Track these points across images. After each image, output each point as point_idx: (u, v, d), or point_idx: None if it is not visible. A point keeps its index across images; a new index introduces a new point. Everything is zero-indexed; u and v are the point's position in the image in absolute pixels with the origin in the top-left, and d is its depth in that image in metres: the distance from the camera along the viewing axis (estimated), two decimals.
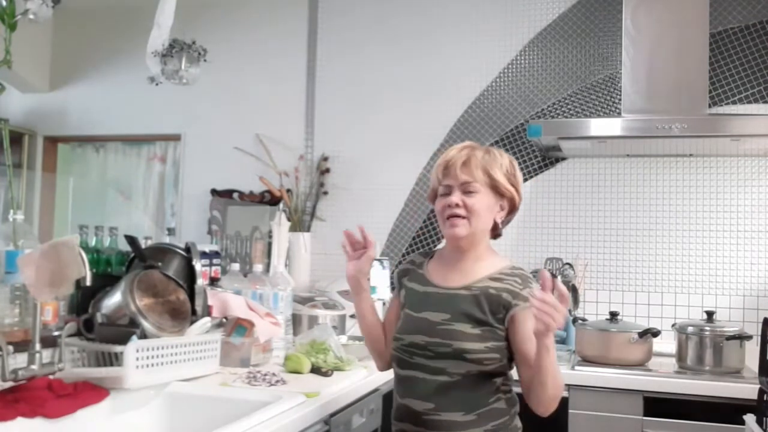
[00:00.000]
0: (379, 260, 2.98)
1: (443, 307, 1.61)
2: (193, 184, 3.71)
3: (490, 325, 1.57)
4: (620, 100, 2.90)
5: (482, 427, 1.56)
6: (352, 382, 2.03)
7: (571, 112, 3.17)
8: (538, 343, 1.45)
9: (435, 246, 3.32)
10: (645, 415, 2.36)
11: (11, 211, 1.95)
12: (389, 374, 2.01)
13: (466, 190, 1.61)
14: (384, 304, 2.82)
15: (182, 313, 1.98)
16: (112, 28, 3.90)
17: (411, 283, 1.72)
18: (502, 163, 1.65)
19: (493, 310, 1.57)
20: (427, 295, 1.66)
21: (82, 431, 1.54)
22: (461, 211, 1.60)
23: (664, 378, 2.41)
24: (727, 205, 2.97)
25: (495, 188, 1.63)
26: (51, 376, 1.61)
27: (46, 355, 1.65)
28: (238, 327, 2.12)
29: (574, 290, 2.97)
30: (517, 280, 1.61)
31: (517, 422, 1.66)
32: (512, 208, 1.70)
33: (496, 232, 1.71)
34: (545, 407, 1.55)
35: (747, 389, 2.23)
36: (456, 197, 1.60)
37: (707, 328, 2.52)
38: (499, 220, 1.67)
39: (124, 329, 1.78)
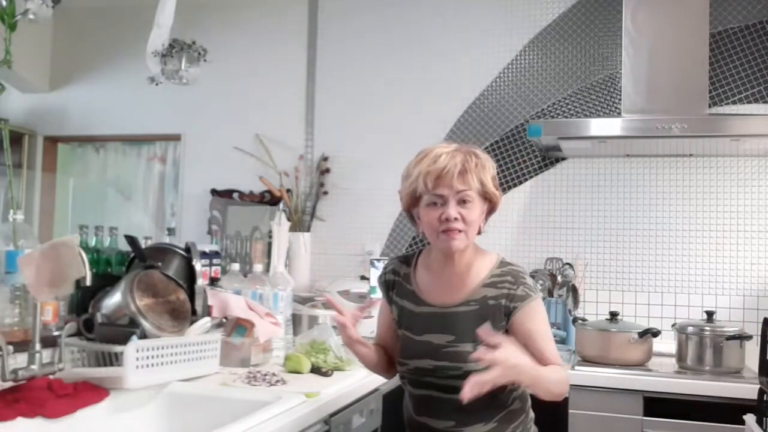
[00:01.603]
0: (378, 260, 2.98)
1: (446, 328, 1.58)
2: (193, 184, 3.71)
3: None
4: (620, 100, 2.90)
5: (504, 431, 1.58)
6: (352, 382, 2.03)
7: (571, 112, 3.17)
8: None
9: None
10: (645, 415, 2.36)
11: (11, 211, 1.95)
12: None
13: (462, 200, 1.54)
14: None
15: (182, 313, 1.98)
16: (112, 28, 3.90)
17: (402, 300, 1.67)
18: (490, 168, 1.59)
19: (496, 320, 1.55)
20: (424, 315, 1.62)
21: (82, 431, 1.54)
22: (460, 225, 1.53)
23: (664, 378, 2.41)
24: (727, 205, 2.97)
25: (484, 195, 1.58)
26: (51, 376, 1.61)
27: (46, 355, 1.65)
28: (238, 327, 2.12)
29: (574, 290, 2.97)
30: (510, 280, 1.58)
31: (531, 413, 1.68)
32: (491, 210, 1.63)
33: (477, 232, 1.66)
34: (557, 399, 1.57)
35: (747, 389, 2.23)
36: (454, 210, 1.53)
37: (707, 328, 2.52)
38: (482, 225, 1.62)
39: (124, 329, 1.78)
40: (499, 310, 1.56)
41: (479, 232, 1.64)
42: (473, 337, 1.52)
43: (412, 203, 1.62)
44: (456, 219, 1.53)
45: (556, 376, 1.52)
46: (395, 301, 1.68)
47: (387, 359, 1.75)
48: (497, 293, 1.57)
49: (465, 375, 1.50)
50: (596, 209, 3.13)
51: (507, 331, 1.55)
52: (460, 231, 1.54)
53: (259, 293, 2.37)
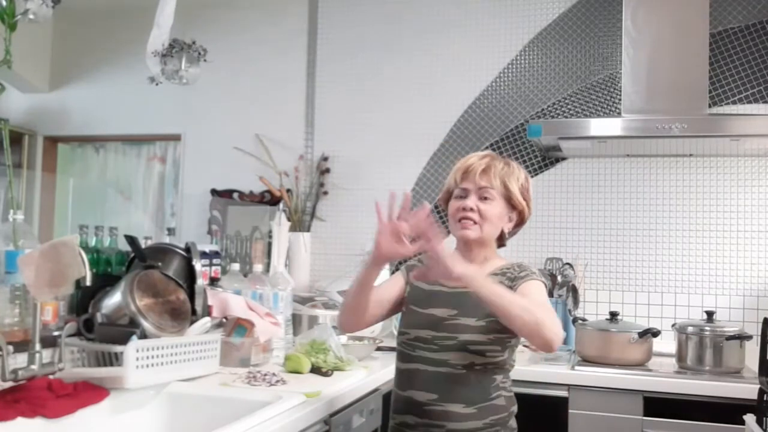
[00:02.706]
0: None
1: (451, 304, 1.66)
2: (193, 184, 3.71)
3: (492, 316, 1.59)
4: (620, 100, 2.90)
5: (482, 420, 1.61)
6: (352, 382, 2.03)
7: (571, 112, 3.17)
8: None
9: None
10: (645, 415, 2.36)
11: (11, 211, 1.95)
12: (389, 374, 2.02)
13: (482, 196, 1.68)
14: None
15: (182, 313, 1.98)
16: (112, 28, 3.90)
17: (417, 281, 1.75)
18: (519, 177, 1.72)
19: None
20: (435, 293, 1.70)
21: (82, 431, 1.54)
22: (475, 216, 1.67)
23: (664, 378, 2.41)
24: (727, 205, 2.97)
25: (509, 199, 1.70)
26: (51, 376, 1.61)
27: (46, 355, 1.65)
28: (238, 327, 2.12)
29: (574, 290, 2.97)
30: (516, 268, 1.70)
31: (514, 422, 1.70)
32: (520, 221, 1.76)
33: (501, 242, 1.77)
34: (539, 340, 1.49)
35: (747, 389, 2.22)
36: (471, 201, 1.67)
37: (707, 328, 2.52)
38: (506, 230, 1.74)
39: (124, 329, 1.78)
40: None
41: (503, 243, 1.77)
42: (475, 313, 1.62)
43: (446, 199, 1.77)
44: (472, 210, 1.67)
45: (524, 302, 1.51)
46: (410, 281, 1.76)
47: (362, 310, 1.70)
48: (503, 278, 1.67)
49: (458, 346, 1.60)
50: (596, 209, 3.13)
51: None
52: (474, 222, 1.67)
53: (259, 293, 2.37)
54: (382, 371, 2.18)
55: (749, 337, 2.48)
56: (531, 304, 1.52)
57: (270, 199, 3.49)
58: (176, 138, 3.83)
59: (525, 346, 2.82)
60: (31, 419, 1.43)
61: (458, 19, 3.35)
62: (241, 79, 3.64)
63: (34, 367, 1.58)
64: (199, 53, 2.60)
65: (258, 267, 2.48)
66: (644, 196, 3.07)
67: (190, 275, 2.18)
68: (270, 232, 2.84)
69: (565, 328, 2.87)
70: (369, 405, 2.11)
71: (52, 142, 4.13)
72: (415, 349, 1.66)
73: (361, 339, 2.55)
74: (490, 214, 1.68)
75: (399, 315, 1.79)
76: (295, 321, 2.56)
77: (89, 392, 1.60)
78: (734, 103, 2.96)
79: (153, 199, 4.13)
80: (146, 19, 2.57)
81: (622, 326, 2.60)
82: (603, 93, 3.14)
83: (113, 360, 1.76)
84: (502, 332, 1.61)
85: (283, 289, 2.45)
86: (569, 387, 2.43)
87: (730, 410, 2.25)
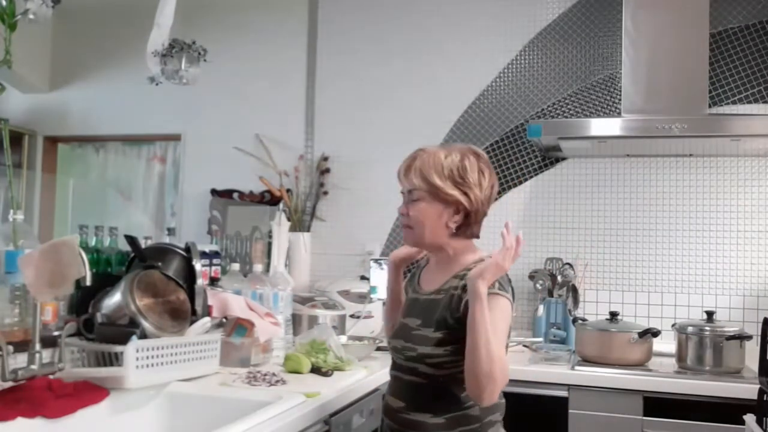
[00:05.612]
0: (378, 260, 2.98)
1: (418, 313, 1.64)
2: (193, 184, 3.71)
3: (449, 327, 1.54)
4: (620, 100, 2.90)
5: (451, 430, 1.54)
6: (352, 382, 2.03)
7: (571, 112, 3.17)
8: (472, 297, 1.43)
9: None
10: (645, 415, 2.36)
11: (11, 211, 1.95)
12: (388, 374, 2.02)
13: (412, 198, 1.60)
14: (384, 304, 2.82)
15: (182, 313, 1.97)
16: (112, 28, 3.90)
17: (408, 286, 1.79)
18: (444, 166, 1.55)
19: (453, 309, 1.54)
20: (412, 301, 1.71)
21: (82, 431, 1.54)
22: (405, 220, 1.63)
23: (664, 378, 2.41)
24: (727, 205, 2.97)
25: (436, 195, 1.56)
26: (51, 376, 1.61)
27: (46, 355, 1.65)
28: (238, 327, 2.12)
29: (574, 290, 2.97)
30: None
31: (496, 430, 1.60)
32: (467, 212, 1.58)
33: (469, 233, 1.62)
34: (477, 390, 1.41)
35: (747, 389, 2.22)
36: (402, 206, 1.63)
37: (707, 328, 2.52)
38: (452, 225, 1.58)
39: (124, 329, 1.78)
40: (456, 300, 1.55)
41: (472, 233, 1.62)
42: (433, 322, 1.57)
43: None
44: (403, 215, 1.63)
45: (495, 352, 1.40)
46: (407, 289, 1.79)
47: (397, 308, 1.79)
48: (459, 284, 1.56)
49: (418, 358, 1.56)
50: (596, 209, 3.13)
51: (461, 320, 1.50)
52: (409, 227, 1.62)
53: (259, 293, 2.37)
54: (382, 371, 2.18)
55: (749, 337, 2.48)
56: (496, 355, 1.40)
57: (270, 199, 3.50)
58: (176, 138, 3.84)
59: (525, 346, 2.82)
60: (31, 419, 1.43)
61: (458, 19, 3.35)
62: (241, 79, 3.64)
63: (34, 367, 1.58)
64: (199, 53, 2.60)
65: (258, 267, 2.48)
66: (644, 196, 3.07)
67: (190, 275, 2.18)
68: (270, 232, 2.84)
69: (565, 328, 2.88)
70: (369, 405, 2.11)
71: (52, 142, 4.13)
72: (395, 355, 1.66)
73: (361, 339, 2.55)
74: (416, 216, 1.58)
75: None
76: (295, 321, 2.55)
77: (89, 392, 1.60)
78: (734, 103, 2.96)
79: (153, 199, 4.13)
80: (146, 19, 2.57)
81: (622, 326, 2.60)
82: (603, 93, 3.14)
83: (113, 360, 1.76)
84: (458, 342, 1.49)
85: (283, 289, 2.45)
86: (569, 387, 2.43)
87: (730, 410, 2.25)
